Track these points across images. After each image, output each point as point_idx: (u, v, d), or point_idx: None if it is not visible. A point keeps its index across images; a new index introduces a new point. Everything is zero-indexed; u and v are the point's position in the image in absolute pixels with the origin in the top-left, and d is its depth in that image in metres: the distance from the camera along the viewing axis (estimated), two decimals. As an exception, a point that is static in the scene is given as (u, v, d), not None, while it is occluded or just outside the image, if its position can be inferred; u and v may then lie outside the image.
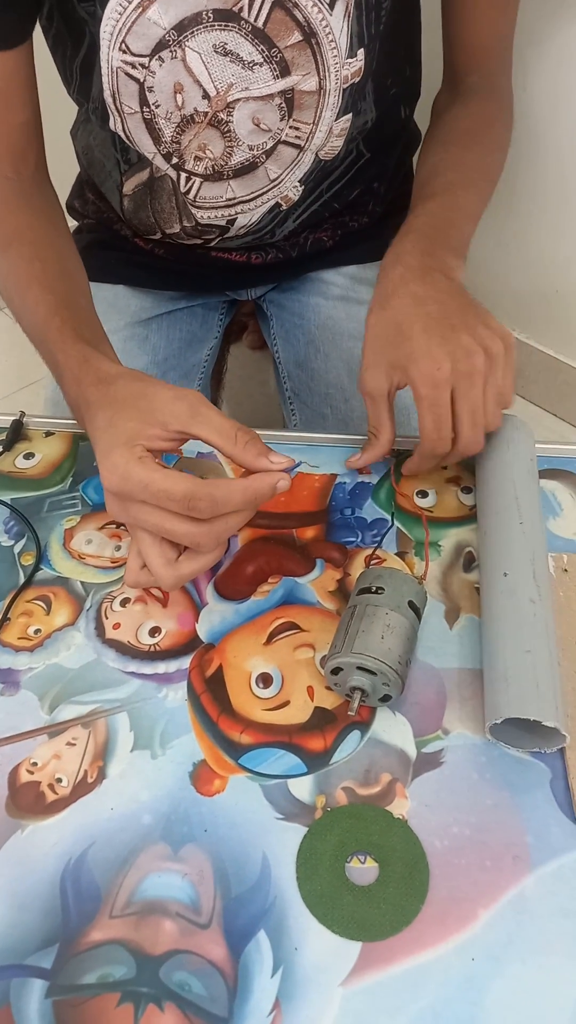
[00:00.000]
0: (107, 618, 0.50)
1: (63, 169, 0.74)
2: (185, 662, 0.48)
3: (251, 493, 0.43)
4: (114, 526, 0.55)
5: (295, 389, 0.80)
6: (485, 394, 0.51)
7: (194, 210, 0.68)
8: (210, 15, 0.53)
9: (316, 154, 0.64)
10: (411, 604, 0.46)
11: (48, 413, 0.74)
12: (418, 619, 0.46)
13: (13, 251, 0.58)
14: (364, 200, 0.76)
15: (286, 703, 0.46)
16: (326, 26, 0.55)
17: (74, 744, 0.44)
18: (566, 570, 0.52)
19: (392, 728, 0.45)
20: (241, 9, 0.53)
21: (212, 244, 0.73)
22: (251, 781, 0.42)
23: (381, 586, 0.46)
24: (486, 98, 0.69)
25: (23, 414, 0.63)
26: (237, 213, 0.68)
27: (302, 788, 0.42)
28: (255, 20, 0.54)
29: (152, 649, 0.48)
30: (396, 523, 0.56)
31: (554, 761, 0.43)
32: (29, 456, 0.60)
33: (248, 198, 0.67)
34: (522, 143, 0.71)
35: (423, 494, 0.58)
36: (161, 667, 0.47)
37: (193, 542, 0.44)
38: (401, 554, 0.54)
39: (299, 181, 0.67)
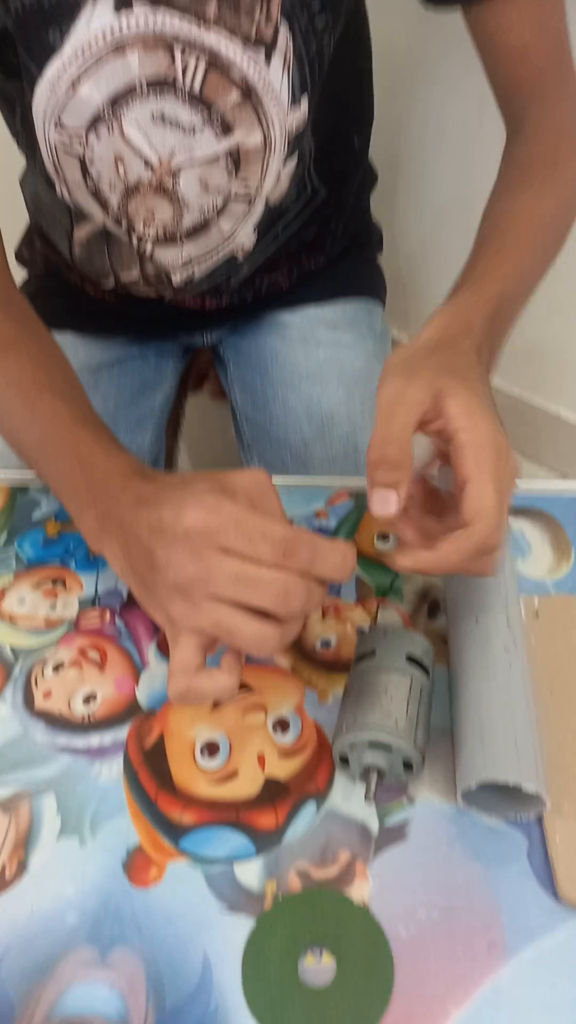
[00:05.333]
0: (37, 686, 0.45)
1: (12, 219, 0.72)
2: (122, 732, 0.43)
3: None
4: (50, 583, 0.51)
5: (253, 435, 0.77)
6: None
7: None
8: (144, 85, 0.51)
9: (266, 200, 0.62)
10: (410, 658, 0.41)
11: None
12: (425, 672, 0.42)
13: (11, 359, 0.53)
14: (320, 240, 0.74)
15: (234, 774, 0.41)
16: (264, 82, 0.52)
17: (-7, 832, 0.39)
18: (537, 614, 0.48)
19: (352, 797, 0.40)
20: (175, 77, 0.51)
21: (167, 298, 0.71)
22: (192, 868, 0.38)
23: (372, 648, 0.42)
24: (549, 132, 0.58)
25: (-41, 468, 0.60)
26: (193, 269, 0.66)
27: (250, 873, 0.37)
28: (191, 86, 0.51)
29: (86, 719, 0.44)
30: (357, 570, 0.52)
31: (531, 829, 0.39)
32: (-37, 512, 0.57)
33: (204, 255, 0.65)
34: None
35: (383, 538, 0.54)
36: (95, 739, 0.43)
37: (266, 599, 0.35)
38: (362, 603, 0.50)
39: (253, 229, 0.64)
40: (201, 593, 0.35)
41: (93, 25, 0.49)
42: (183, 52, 0.50)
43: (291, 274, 0.75)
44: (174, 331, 0.81)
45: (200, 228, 0.62)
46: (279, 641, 0.36)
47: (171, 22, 0.49)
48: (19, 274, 0.76)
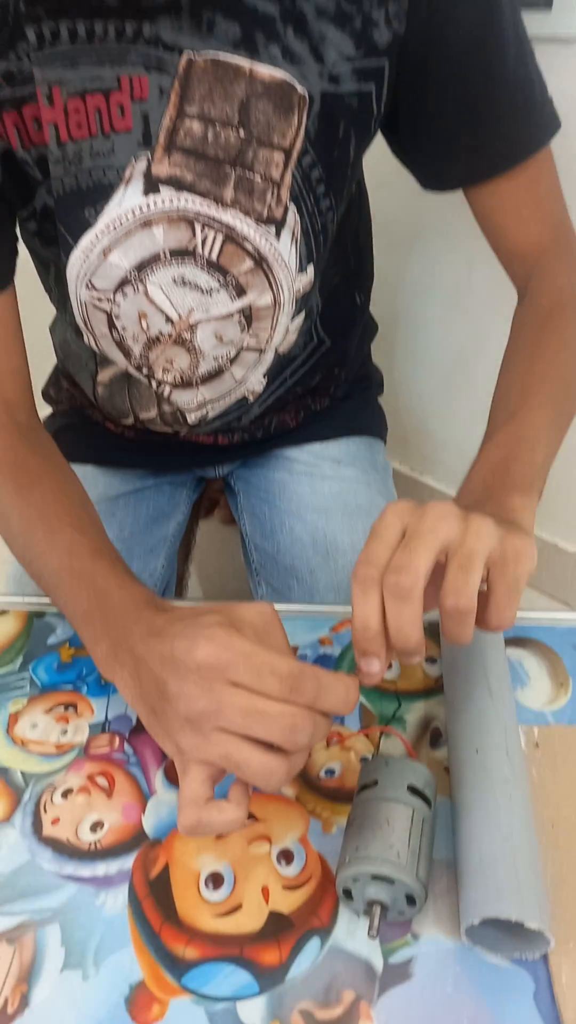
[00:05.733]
0: (46, 812, 0.46)
1: (39, 361, 0.78)
2: (128, 861, 0.43)
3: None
4: (62, 708, 0.53)
5: (261, 562, 0.80)
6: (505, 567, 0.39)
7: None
8: (167, 254, 0.58)
9: (276, 350, 0.68)
10: (412, 789, 0.42)
11: (9, 591, 0.73)
12: (427, 803, 0.42)
13: (35, 493, 0.56)
14: (326, 384, 0.80)
15: (238, 907, 0.41)
16: (275, 252, 0.59)
17: (-4, 964, 0.39)
18: (537, 744, 0.49)
19: (356, 932, 0.40)
20: (195, 247, 0.57)
21: (182, 434, 0.76)
22: (195, 1005, 0.37)
23: (375, 778, 0.43)
24: (549, 299, 0.62)
25: (-21, 593, 0.62)
26: (207, 410, 0.72)
27: (253, 1012, 0.37)
28: (209, 255, 0.58)
29: (92, 847, 0.44)
30: (360, 698, 0.53)
31: (537, 969, 0.38)
32: (-19, 636, 0.59)
33: (217, 398, 0.70)
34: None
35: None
36: (101, 868, 0.43)
37: (273, 733, 0.36)
38: (365, 731, 0.51)
39: (263, 375, 0.70)
40: (211, 725, 0.37)
41: (124, 205, 0.55)
42: (203, 227, 0.56)
43: (298, 414, 0.80)
44: (188, 464, 0.86)
45: (214, 374, 0.67)
46: (286, 774, 0.37)
47: (193, 203, 0.55)
48: (43, 411, 0.81)
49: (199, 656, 0.37)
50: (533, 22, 0.84)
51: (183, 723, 0.38)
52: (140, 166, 0.54)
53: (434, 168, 0.62)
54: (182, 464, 0.85)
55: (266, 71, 0.51)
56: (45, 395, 0.87)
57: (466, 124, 0.58)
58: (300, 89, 0.52)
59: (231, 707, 0.37)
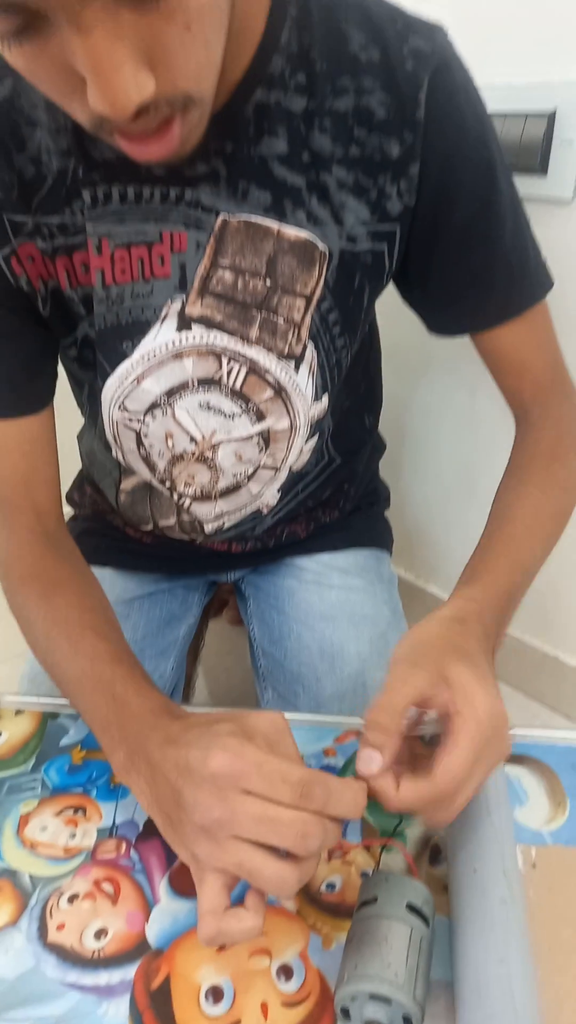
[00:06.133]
0: (52, 917, 0.47)
1: (64, 466, 0.83)
2: (130, 971, 0.44)
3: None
4: (71, 811, 0.54)
5: (268, 667, 0.83)
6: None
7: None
8: (195, 382, 0.63)
9: (290, 468, 0.73)
10: (411, 907, 0.43)
11: (23, 690, 0.76)
12: (424, 922, 0.43)
13: (60, 599, 0.60)
14: (335, 499, 0.85)
15: (237, 1023, 0.42)
16: (293, 383, 0.64)
17: (-3, 1074, 0.39)
18: (535, 865, 0.50)
19: (353, 1056, 0.40)
20: (221, 378, 0.63)
21: (198, 542, 0.80)
22: None
23: (375, 895, 0.44)
24: (547, 433, 0.67)
25: (-4, 692, 0.65)
26: (224, 520, 0.76)
27: None
28: (233, 384, 0.63)
29: (96, 955, 0.45)
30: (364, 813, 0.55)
31: None
32: (-4, 735, 0.61)
33: (234, 510, 0.75)
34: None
35: (388, 779, 0.57)
36: (104, 977, 0.44)
37: (284, 840, 0.38)
38: (366, 845, 0.52)
39: (277, 490, 0.74)
40: (225, 833, 0.39)
41: (159, 339, 0.61)
42: (229, 360, 0.62)
43: (308, 526, 0.84)
44: (202, 569, 0.89)
45: (232, 489, 0.72)
46: (298, 881, 0.39)
47: (221, 339, 0.61)
48: (66, 511, 0.86)
49: (213, 765, 0.40)
50: (530, 184, 0.95)
51: (198, 832, 0.40)
52: (175, 306, 0.60)
53: (438, 316, 0.69)
54: (196, 569, 0.89)
55: (292, 232, 0.58)
56: (69, 499, 0.91)
57: (467, 282, 0.64)
58: (321, 247, 0.59)
59: (244, 815, 0.38)
